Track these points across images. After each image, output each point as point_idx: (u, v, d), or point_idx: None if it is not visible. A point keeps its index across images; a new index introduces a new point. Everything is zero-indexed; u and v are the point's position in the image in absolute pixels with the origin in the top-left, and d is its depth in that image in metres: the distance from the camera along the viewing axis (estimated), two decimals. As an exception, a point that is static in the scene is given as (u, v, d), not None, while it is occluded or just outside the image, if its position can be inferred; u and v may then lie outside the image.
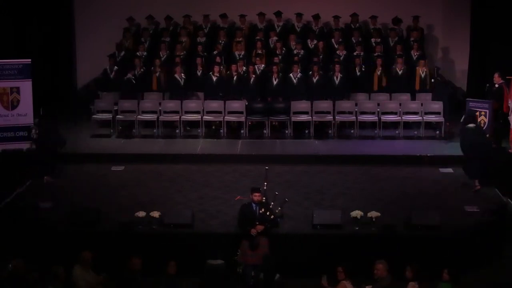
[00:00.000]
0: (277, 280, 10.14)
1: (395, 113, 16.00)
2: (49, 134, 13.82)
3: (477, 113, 14.42)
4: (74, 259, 9.98)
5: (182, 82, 16.38)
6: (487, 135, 13.76)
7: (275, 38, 17.83)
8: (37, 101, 15.14)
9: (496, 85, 14.79)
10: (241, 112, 16.00)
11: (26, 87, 14.78)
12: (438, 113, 15.80)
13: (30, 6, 17.45)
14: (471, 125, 13.26)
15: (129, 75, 16.33)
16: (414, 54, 17.36)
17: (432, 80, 17.03)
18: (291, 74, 16.31)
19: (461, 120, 13.92)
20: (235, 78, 16.35)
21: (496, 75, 14.83)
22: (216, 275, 10.32)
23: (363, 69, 16.68)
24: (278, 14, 18.41)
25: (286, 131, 16.10)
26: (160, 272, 10.24)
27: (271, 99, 16.17)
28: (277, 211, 11.41)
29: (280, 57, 17.17)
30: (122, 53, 17.66)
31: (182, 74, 16.39)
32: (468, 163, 13.12)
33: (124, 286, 9.90)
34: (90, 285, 9.80)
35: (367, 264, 9.97)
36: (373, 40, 17.89)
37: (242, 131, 16.14)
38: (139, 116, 16.06)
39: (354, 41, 17.77)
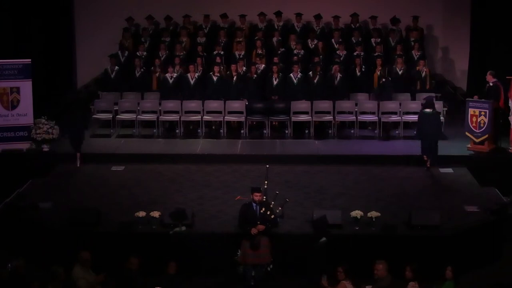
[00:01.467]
0: (322, 242, 10.35)
1: (395, 113, 16.01)
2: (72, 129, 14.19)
3: (475, 111, 14.49)
4: (74, 259, 9.97)
5: (192, 82, 16.36)
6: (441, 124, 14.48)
7: (279, 38, 17.81)
8: (37, 101, 15.14)
9: (491, 84, 14.78)
10: (241, 112, 16.01)
11: (26, 87, 14.78)
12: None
13: (30, 6, 17.45)
14: (427, 110, 14.00)
15: (167, 75, 16.32)
16: (415, 54, 17.36)
17: (433, 81, 17.06)
18: (291, 74, 16.31)
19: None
20: (235, 78, 16.36)
21: (488, 74, 14.83)
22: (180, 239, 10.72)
23: (363, 69, 16.65)
24: (278, 14, 18.41)
25: (286, 131, 16.10)
26: (160, 272, 10.24)
27: (275, 97, 16.15)
28: (277, 210, 11.41)
29: (279, 57, 17.18)
30: (126, 53, 17.67)
31: (196, 74, 16.37)
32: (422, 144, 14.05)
33: (123, 286, 9.90)
34: (89, 285, 9.79)
35: (367, 264, 9.96)
36: (373, 40, 17.89)
37: (242, 131, 16.14)
38: (139, 116, 16.08)
39: (354, 41, 17.78)
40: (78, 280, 9.71)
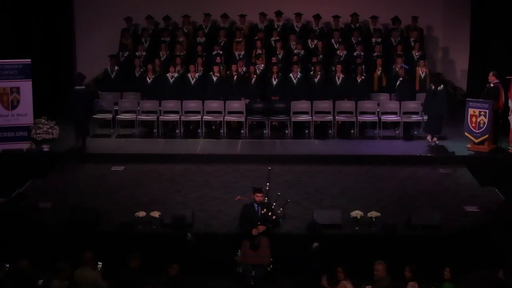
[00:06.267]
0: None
1: (395, 113, 16.01)
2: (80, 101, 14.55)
3: (475, 112, 14.52)
4: (74, 259, 9.95)
5: (193, 82, 16.35)
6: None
7: (277, 38, 17.80)
8: (37, 101, 15.14)
9: (492, 84, 14.78)
10: (241, 112, 16.01)
11: (26, 87, 14.78)
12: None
13: (31, 6, 17.45)
14: (433, 87, 15.00)
15: (168, 75, 16.31)
16: (416, 54, 17.36)
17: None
18: (291, 74, 16.31)
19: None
20: (235, 78, 16.35)
21: (491, 74, 14.83)
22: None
23: (363, 77, 16.52)
24: (278, 14, 18.40)
25: (286, 131, 16.10)
26: (160, 272, 10.24)
27: (275, 97, 16.13)
28: (279, 211, 11.41)
29: (280, 57, 17.16)
30: (126, 53, 17.66)
31: (197, 74, 16.36)
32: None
33: (123, 285, 9.89)
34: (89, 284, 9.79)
35: (367, 264, 9.97)
36: (373, 40, 17.87)
37: (242, 131, 16.14)
38: (139, 116, 16.08)
39: (354, 41, 17.77)
40: (82, 282, 9.70)
